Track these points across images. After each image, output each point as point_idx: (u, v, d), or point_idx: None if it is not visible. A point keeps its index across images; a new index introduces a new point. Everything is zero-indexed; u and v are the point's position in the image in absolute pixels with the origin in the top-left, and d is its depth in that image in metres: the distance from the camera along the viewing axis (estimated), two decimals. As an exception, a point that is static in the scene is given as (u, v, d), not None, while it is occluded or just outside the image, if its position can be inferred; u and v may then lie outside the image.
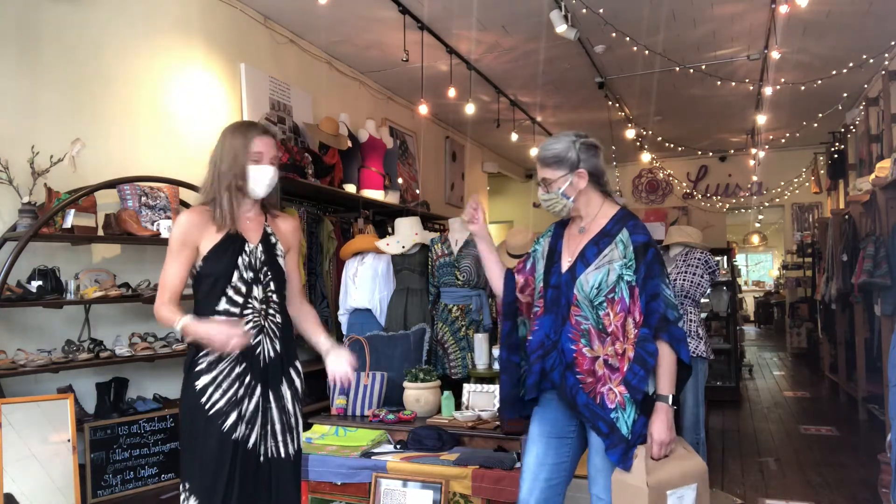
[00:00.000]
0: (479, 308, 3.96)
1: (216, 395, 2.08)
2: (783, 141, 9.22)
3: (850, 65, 6.13)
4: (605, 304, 2.05)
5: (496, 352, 3.62)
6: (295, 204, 4.93)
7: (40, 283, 3.17)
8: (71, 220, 3.28)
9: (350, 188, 5.46)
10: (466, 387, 3.44)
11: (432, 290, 4.09)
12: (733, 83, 6.52)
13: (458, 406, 3.37)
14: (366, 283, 4.16)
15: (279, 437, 2.18)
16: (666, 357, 2.00)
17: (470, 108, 6.15)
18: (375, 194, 5.70)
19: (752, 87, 6.77)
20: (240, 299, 2.13)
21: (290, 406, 2.21)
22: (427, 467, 2.82)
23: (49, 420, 2.98)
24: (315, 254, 4.92)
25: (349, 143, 5.49)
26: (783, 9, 4.62)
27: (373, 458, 2.95)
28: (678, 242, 3.94)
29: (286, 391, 2.21)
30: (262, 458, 2.14)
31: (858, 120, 7.25)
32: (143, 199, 3.66)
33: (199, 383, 2.09)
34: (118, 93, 3.87)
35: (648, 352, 1.98)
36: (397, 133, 7.09)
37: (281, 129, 5.07)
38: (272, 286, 2.20)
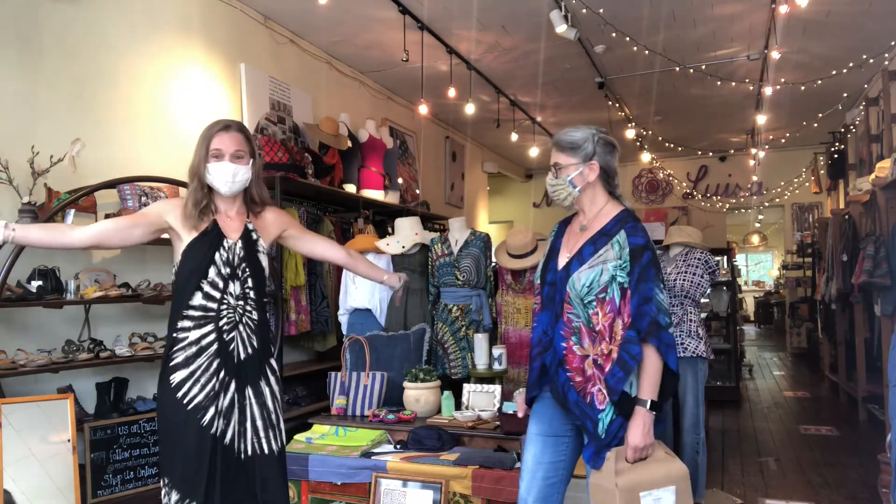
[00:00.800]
0: (479, 308, 3.96)
1: (195, 390, 2.10)
2: (783, 141, 9.22)
3: (850, 65, 6.13)
4: (594, 304, 2.04)
5: (496, 352, 3.62)
6: (295, 204, 4.93)
7: (40, 283, 3.17)
8: (71, 220, 3.28)
9: (350, 188, 5.46)
10: (466, 387, 3.44)
11: (432, 290, 4.09)
12: (733, 83, 6.52)
13: (458, 406, 3.37)
14: (366, 284, 4.16)
15: (261, 434, 2.19)
16: (652, 362, 1.98)
17: (470, 108, 6.15)
18: (375, 194, 5.70)
19: (752, 87, 6.77)
20: (216, 294, 2.14)
21: (269, 403, 2.22)
22: (427, 467, 2.82)
23: (49, 420, 2.97)
24: (315, 254, 4.91)
25: (349, 143, 5.48)
26: (783, 9, 4.62)
27: (373, 458, 2.95)
28: (678, 242, 3.93)
29: (265, 388, 2.22)
30: (242, 456, 2.15)
31: (858, 120, 7.24)
32: (143, 199, 3.66)
33: (175, 378, 2.10)
34: (118, 93, 3.88)
35: (631, 354, 1.97)
36: (397, 133, 7.09)
37: (281, 129, 5.07)
38: (250, 283, 2.20)
